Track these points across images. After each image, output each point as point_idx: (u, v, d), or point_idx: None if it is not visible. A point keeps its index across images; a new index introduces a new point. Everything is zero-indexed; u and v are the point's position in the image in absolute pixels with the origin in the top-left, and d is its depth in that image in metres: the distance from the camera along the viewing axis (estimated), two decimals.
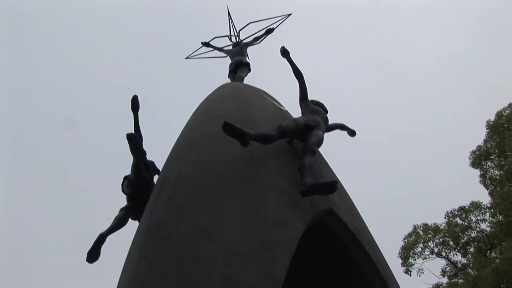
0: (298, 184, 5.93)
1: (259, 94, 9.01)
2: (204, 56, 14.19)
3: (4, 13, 35.34)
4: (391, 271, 6.65)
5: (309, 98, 8.33)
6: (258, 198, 5.63)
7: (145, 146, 8.16)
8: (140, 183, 7.44)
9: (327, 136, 8.75)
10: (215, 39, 14.02)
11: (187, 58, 14.42)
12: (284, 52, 8.45)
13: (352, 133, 9.22)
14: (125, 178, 7.70)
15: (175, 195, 5.82)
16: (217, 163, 6.19)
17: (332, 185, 5.82)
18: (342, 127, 8.99)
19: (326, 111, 8.35)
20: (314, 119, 7.40)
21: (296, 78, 8.36)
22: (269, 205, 5.56)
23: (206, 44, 13.88)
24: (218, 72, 13.11)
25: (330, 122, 8.75)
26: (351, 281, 6.44)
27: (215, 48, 13.71)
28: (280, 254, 4.95)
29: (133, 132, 8.08)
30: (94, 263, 6.69)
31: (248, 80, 11.33)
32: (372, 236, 7.04)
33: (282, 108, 8.83)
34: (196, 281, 4.45)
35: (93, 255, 6.66)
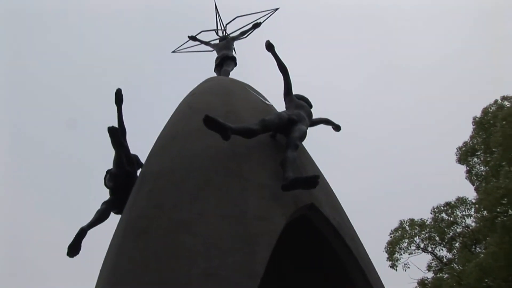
0: (280, 178, 5.90)
1: (244, 88, 8.96)
2: (191, 50, 14.10)
3: (5, 12, 34.89)
4: (373, 266, 6.65)
5: (295, 93, 8.33)
6: (240, 193, 5.59)
7: (131, 140, 8.09)
8: (122, 176, 7.35)
9: (316, 130, 8.77)
10: (202, 33, 13.91)
11: (173, 52, 14.32)
12: (269, 46, 8.43)
13: (337, 127, 9.21)
14: (108, 171, 7.61)
15: (156, 189, 5.77)
16: (199, 157, 6.14)
17: (314, 180, 5.80)
18: (326, 121, 8.97)
19: (311, 106, 8.33)
20: (298, 114, 7.37)
21: (281, 72, 8.33)
22: (251, 200, 5.52)
23: (193, 38, 13.79)
24: (205, 66, 13.00)
25: (315, 117, 8.80)
26: (334, 276, 6.42)
27: (201, 42, 13.62)
28: (261, 248, 4.92)
29: (117, 125, 7.99)
30: (75, 257, 6.62)
31: (236, 74, 11.28)
32: (354, 231, 7.04)
33: (267, 103, 8.79)
34: (176, 276, 4.41)
35: (73, 249, 6.58)
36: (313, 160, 7.94)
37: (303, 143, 8.21)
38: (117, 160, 7.16)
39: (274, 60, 8.41)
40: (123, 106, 8.03)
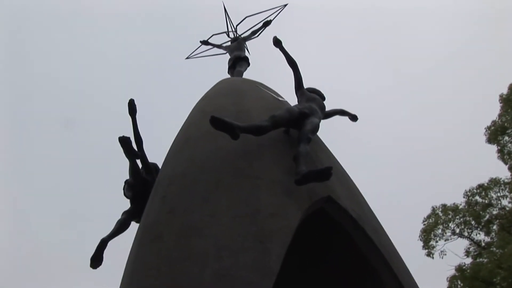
0: (293, 173, 5.83)
1: (256, 87, 8.92)
2: (204, 55, 14.14)
3: (4, 12, 35.56)
4: (398, 256, 6.50)
5: (307, 86, 8.26)
6: (252, 191, 5.55)
7: (150, 148, 8.14)
8: (139, 185, 7.41)
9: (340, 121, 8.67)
10: (213, 36, 13.95)
11: (187, 58, 14.40)
12: (277, 42, 8.41)
13: (353, 117, 9.07)
14: (125, 182, 7.68)
15: (169, 194, 5.78)
16: (210, 159, 6.13)
17: (327, 171, 5.71)
18: (342, 112, 8.84)
19: (323, 98, 8.23)
20: (309, 107, 7.29)
21: (290, 67, 8.27)
22: (263, 197, 5.48)
23: (205, 43, 13.85)
24: (220, 69, 12.99)
25: (333, 108, 8.70)
26: (358, 271, 6.30)
27: (214, 45, 13.68)
28: (275, 246, 4.86)
29: (133, 136, 8.07)
30: (97, 268, 6.70)
31: (252, 73, 11.24)
32: (377, 222, 6.91)
33: (280, 99, 8.73)
34: (187, 278, 4.40)
35: (96, 260, 6.66)
36: (330, 152, 7.85)
37: (319, 135, 8.17)
38: (131, 169, 7.22)
39: (283, 56, 8.40)
40: (138, 116, 8.12)
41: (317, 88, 8.44)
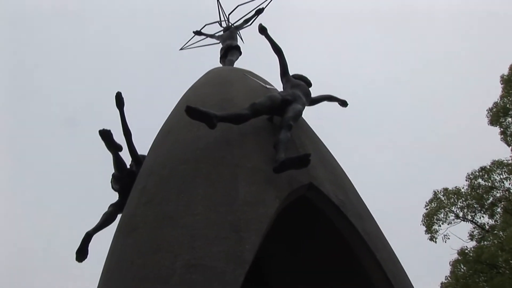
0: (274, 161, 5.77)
1: (243, 76, 8.85)
2: (198, 45, 14.08)
3: (4, 12, 35.63)
4: (386, 244, 6.43)
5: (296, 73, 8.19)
6: (230, 180, 5.50)
7: (145, 140, 8.09)
8: (126, 178, 7.39)
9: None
10: (206, 26, 13.87)
11: (181, 49, 14.34)
12: (262, 29, 8.36)
13: (343, 103, 8.99)
14: (112, 175, 7.67)
15: (148, 185, 5.76)
16: (190, 149, 6.09)
17: (305, 158, 5.65)
18: (330, 98, 8.75)
19: (309, 84, 8.15)
20: (293, 93, 7.22)
21: (276, 53, 8.21)
22: (241, 186, 5.42)
23: (198, 33, 13.79)
24: (215, 59, 12.89)
25: (320, 94, 8.61)
26: (343, 258, 6.24)
27: (207, 35, 13.60)
28: (250, 235, 4.81)
29: (122, 128, 8.05)
30: (83, 261, 6.71)
31: (248, 61, 11.15)
32: (364, 208, 6.83)
33: (268, 87, 8.66)
34: (159, 269, 4.37)
35: (81, 253, 6.68)
36: (316, 138, 7.77)
37: (306, 121, 8.10)
38: (115, 162, 7.20)
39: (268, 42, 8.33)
40: (135, 108, 8.10)
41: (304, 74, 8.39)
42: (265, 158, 6.00)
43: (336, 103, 9.03)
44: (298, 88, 7.52)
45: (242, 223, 4.92)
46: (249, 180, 5.56)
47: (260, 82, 8.81)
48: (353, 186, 7.29)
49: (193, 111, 5.71)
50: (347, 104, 9.06)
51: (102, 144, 7.26)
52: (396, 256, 6.49)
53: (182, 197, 5.22)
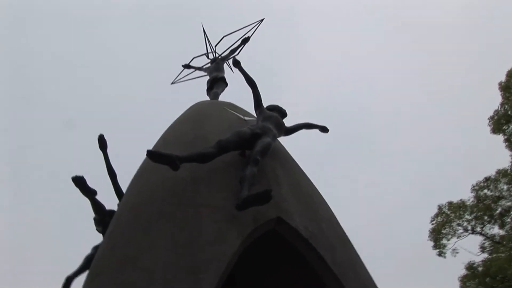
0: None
1: (222, 109, 8.98)
2: (188, 78, 14.27)
3: (4, 13, 36.20)
4: (360, 271, 6.41)
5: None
6: (193, 219, 5.60)
7: None
8: (107, 218, 7.50)
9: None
10: (194, 59, 14.09)
11: (172, 83, 14.53)
12: (235, 63, 8.56)
13: (323, 129, 9.01)
14: (93, 218, 7.80)
15: (115, 229, 5.89)
16: (157, 189, 6.20)
17: (266, 195, 5.69)
18: (308, 126, 8.80)
19: (284, 114, 8.24)
20: (262, 126, 7.30)
21: (249, 85, 8.36)
22: (204, 225, 5.51)
23: (187, 66, 14.01)
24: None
25: (297, 123, 8.68)
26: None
27: (196, 68, 13.82)
28: (208, 276, 4.88)
29: (106, 169, 8.21)
30: None
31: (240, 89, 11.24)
32: (340, 236, 6.82)
33: (246, 119, 8.76)
34: None
35: None
36: (294, 167, 7.80)
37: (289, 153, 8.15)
38: (93, 206, 7.32)
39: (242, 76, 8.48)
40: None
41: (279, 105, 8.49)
42: (230, 195, 6.06)
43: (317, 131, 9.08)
44: (269, 121, 7.61)
45: (201, 264, 5.00)
46: (212, 219, 5.64)
47: (239, 115, 8.92)
48: (331, 214, 7.30)
49: (154, 155, 5.83)
50: (328, 130, 9.08)
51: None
52: (373, 285, 6.44)
53: (145, 239, 5.33)
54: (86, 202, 7.68)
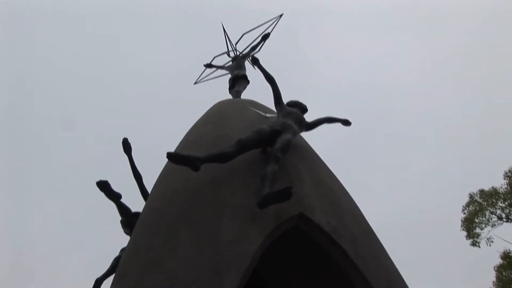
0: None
1: (243, 107, 9.01)
2: (211, 77, 14.36)
3: (4, 13, 36.82)
4: (384, 264, 6.36)
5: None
6: (214, 219, 5.65)
7: None
8: (134, 221, 7.64)
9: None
10: (216, 58, 14.18)
11: (195, 83, 14.65)
12: (254, 60, 8.58)
13: (345, 122, 8.94)
14: (120, 221, 7.96)
15: (139, 232, 5.99)
16: (178, 192, 6.28)
17: (286, 192, 5.68)
18: (329, 120, 8.74)
19: (305, 110, 8.22)
20: (282, 123, 7.30)
21: (269, 83, 8.36)
22: (224, 224, 5.56)
23: (209, 66, 14.10)
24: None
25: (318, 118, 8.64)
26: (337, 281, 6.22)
27: (217, 67, 13.90)
28: (230, 274, 4.93)
29: (132, 172, 8.37)
30: None
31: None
32: (365, 229, 6.77)
33: (268, 116, 8.77)
34: None
35: None
36: (318, 163, 7.78)
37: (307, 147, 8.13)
38: (119, 209, 7.47)
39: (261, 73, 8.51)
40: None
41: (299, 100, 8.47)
42: (252, 194, 6.08)
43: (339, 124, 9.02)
44: (289, 117, 7.61)
45: (223, 263, 5.05)
46: (233, 218, 5.68)
47: (260, 112, 8.94)
48: (354, 206, 7.26)
49: (174, 157, 5.91)
50: (350, 123, 9.01)
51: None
52: (398, 276, 6.39)
53: (167, 242, 5.41)
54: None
